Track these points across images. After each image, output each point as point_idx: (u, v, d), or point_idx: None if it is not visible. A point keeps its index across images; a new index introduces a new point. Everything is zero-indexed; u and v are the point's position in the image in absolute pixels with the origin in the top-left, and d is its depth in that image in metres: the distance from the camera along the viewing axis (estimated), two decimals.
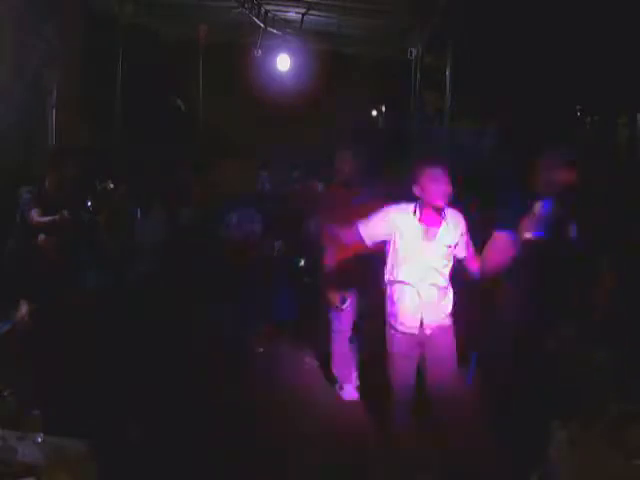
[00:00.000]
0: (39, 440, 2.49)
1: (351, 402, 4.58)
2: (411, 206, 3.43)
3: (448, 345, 3.50)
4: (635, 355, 3.25)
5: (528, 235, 3.27)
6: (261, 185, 10.70)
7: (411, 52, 8.73)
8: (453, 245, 3.44)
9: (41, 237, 4.77)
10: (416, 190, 3.38)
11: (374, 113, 16.92)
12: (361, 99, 14.13)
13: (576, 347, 3.37)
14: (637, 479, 2.53)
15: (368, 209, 4.60)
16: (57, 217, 4.77)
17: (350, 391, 4.68)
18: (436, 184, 3.33)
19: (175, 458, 3.44)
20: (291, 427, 4.10)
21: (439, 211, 3.39)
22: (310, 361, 5.31)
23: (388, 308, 3.54)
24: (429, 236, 3.40)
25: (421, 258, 3.40)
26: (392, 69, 10.96)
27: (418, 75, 8.69)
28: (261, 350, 5.22)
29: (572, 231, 3.35)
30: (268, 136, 11.40)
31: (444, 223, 3.40)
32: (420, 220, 3.41)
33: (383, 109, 16.69)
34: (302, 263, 6.34)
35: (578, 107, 9.93)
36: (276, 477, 3.61)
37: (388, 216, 3.48)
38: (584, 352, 3.35)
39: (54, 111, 6.61)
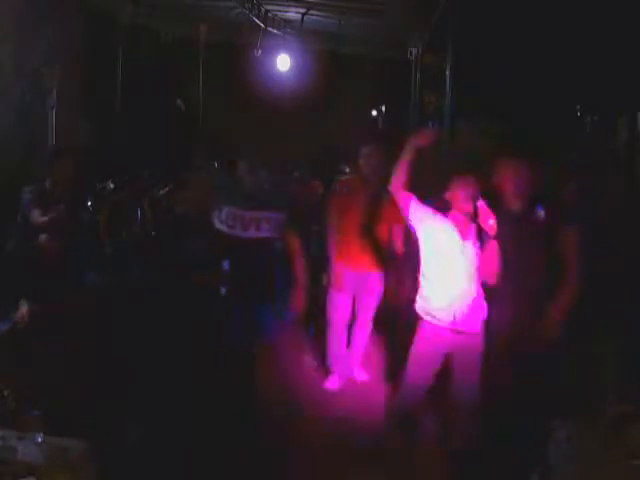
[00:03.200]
0: (39, 440, 2.49)
1: (332, 391, 4.75)
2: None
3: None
4: (635, 354, 3.26)
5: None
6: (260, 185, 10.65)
7: (411, 52, 8.74)
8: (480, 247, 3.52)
9: (42, 237, 4.76)
10: (447, 195, 3.55)
11: (374, 113, 16.89)
12: (361, 99, 14.11)
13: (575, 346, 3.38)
14: (637, 479, 2.53)
15: (381, 206, 4.63)
16: (54, 214, 4.75)
17: (332, 380, 4.80)
18: (465, 190, 3.47)
19: (175, 458, 3.44)
20: (291, 427, 4.11)
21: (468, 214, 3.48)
22: (310, 360, 5.31)
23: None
24: (460, 237, 3.52)
25: (453, 258, 3.51)
26: (392, 69, 10.95)
27: (418, 75, 8.69)
28: (261, 350, 5.21)
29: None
30: (268, 136, 11.38)
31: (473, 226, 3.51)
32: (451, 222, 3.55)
33: (383, 109, 16.66)
34: None
35: (578, 107, 9.92)
36: (276, 477, 3.61)
37: (430, 211, 3.61)
38: (583, 351, 3.36)
39: (54, 111, 6.61)
